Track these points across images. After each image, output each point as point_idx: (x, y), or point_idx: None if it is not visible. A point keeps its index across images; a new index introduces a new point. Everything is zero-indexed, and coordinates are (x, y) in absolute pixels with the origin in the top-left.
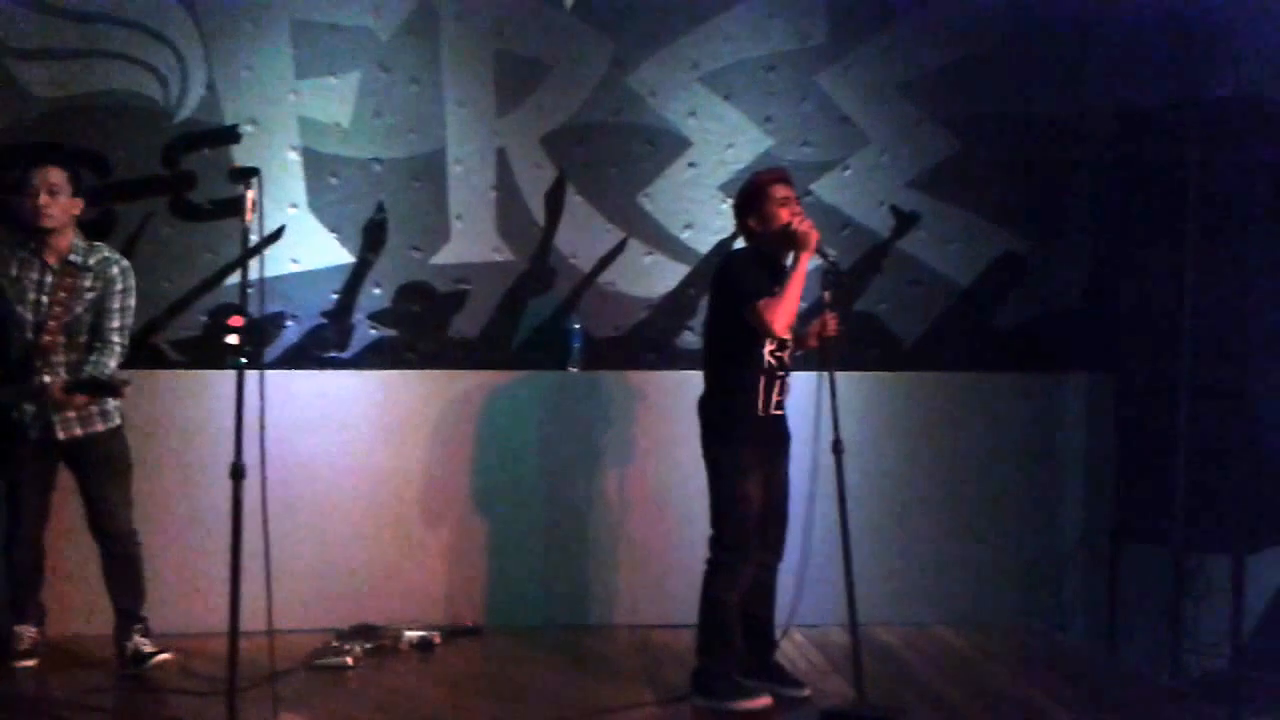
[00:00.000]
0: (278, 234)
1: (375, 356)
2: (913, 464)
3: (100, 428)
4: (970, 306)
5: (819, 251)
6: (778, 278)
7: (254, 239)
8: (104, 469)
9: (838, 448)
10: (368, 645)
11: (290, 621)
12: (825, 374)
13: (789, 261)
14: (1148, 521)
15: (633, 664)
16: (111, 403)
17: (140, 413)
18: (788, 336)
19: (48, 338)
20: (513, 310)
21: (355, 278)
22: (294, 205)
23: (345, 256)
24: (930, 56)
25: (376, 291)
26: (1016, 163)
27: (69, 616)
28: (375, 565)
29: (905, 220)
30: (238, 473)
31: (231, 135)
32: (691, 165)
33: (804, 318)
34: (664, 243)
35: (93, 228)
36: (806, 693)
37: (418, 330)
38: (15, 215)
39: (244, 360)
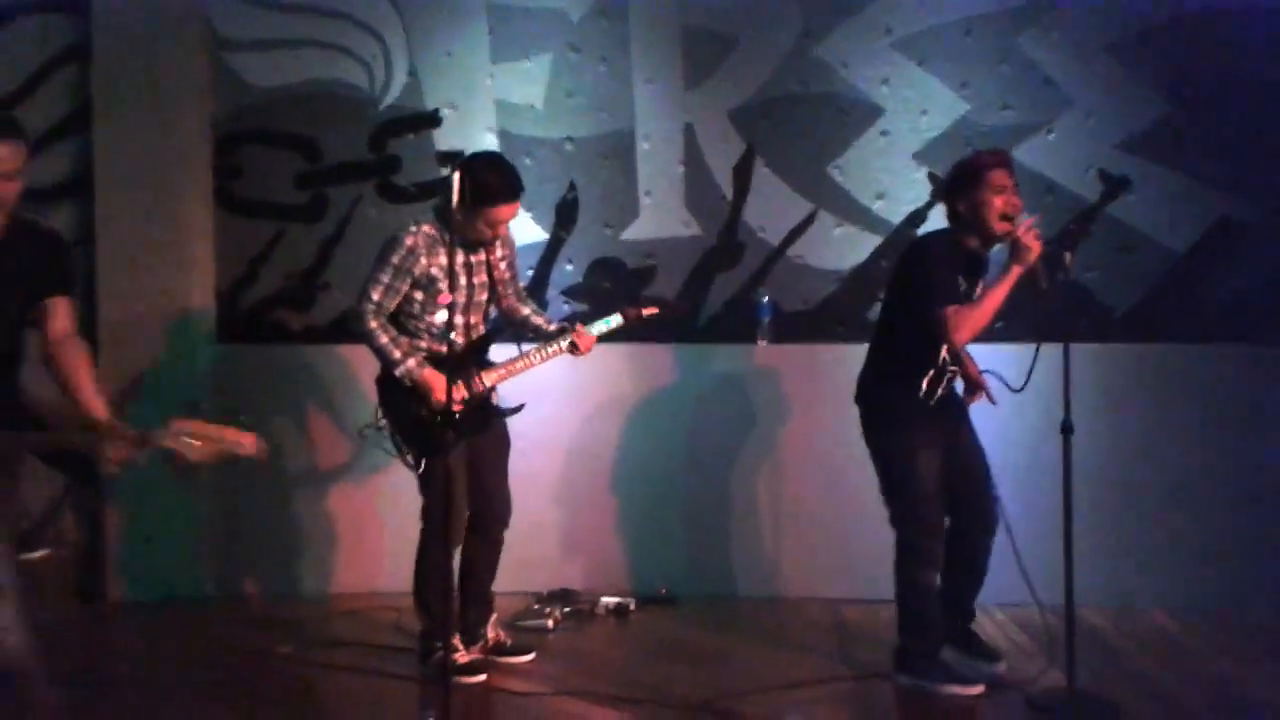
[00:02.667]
0: None
1: None
2: (1124, 439)
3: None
4: (1186, 274)
5: (1032, 269)
6: (972, 272)
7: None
8: (506, 445)
9: (1067, 428)
10: (566, 609)
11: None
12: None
13: (996, 256)
14: None
15: (826, 638)
16: None
17: (359, 384)
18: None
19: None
20: (701, 284)
21: (549, 254)
22: None
23: (539, 234)
24: (1138, 15)
25: (569, 267)
26: (1234, 123)
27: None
28: (571, 533)
29: (1115, 184)
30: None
31: (433, 119)
32: (884, 134)
33: None
34: (855, 214)
35: (306, 211)
36: (1002, 667)
37: (608, 305)
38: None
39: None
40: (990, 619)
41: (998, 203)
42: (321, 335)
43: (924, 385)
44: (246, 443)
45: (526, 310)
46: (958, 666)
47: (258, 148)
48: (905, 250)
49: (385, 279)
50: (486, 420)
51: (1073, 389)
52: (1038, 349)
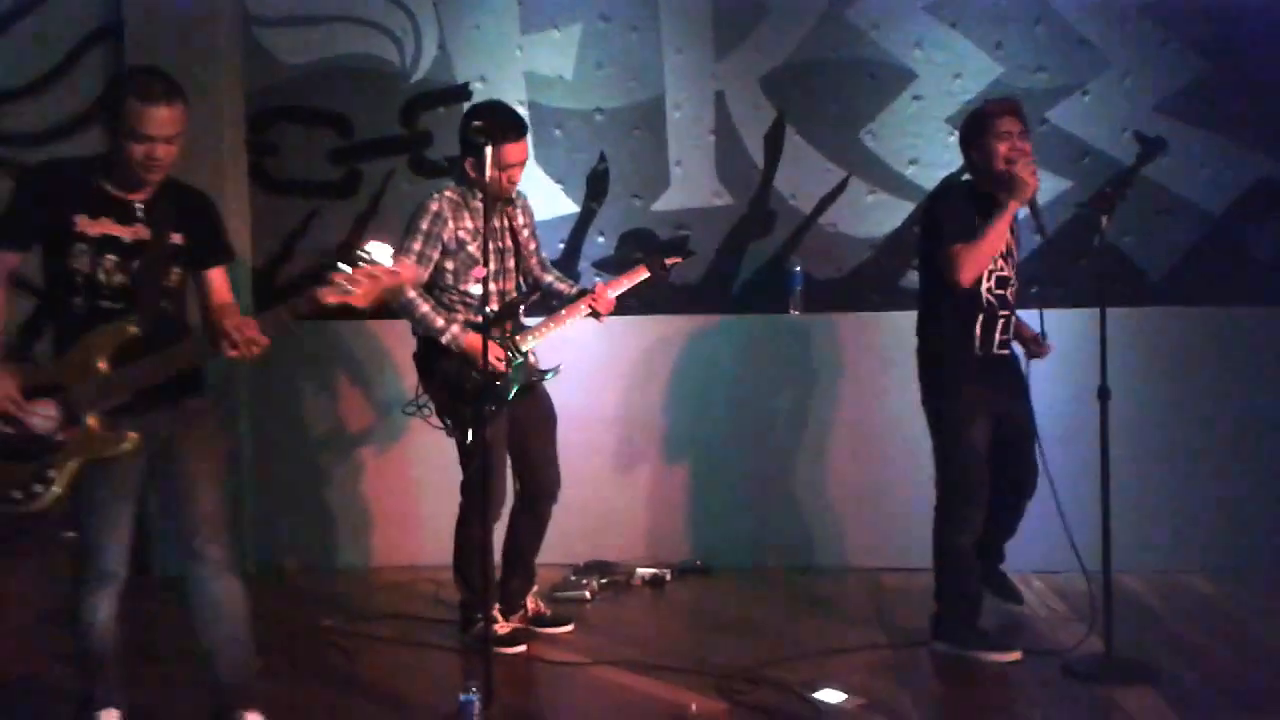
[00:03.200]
0: None
1: None
2: (1161, 403)
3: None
4: (1223, 236)
5: (1031, 205)
6: (990, 217)
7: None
8: (553, 420)
9: (1103, 394)
10: (603, 580)
11: None
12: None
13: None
14: None
15: (864, 606)
16: None
17: (394, 359)
18: (968, 287)
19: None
20: (733, 254)
21: (580, 226)
22: None
23: (570, 206)
24: None
25: (600, 239)
26: (1271, 83)
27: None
28: (605, 504)
29: (1151, 146)
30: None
31: (463, 93)
32: (916, 98)
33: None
34: (887, 180)
35: (339, 187)
36: (1022, 607)
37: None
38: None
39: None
40: (1028, 587)
41: (1002, 148)
42: (356, 312)
43: (978, 333)
44: (403, 270)
45: (549, 277)
46: (994, 634)
47: (291, 125)
48: (925, 200)
49: (417, 247)
50: (528, 384)
51: (1109, 353)
52: (1042, 314)
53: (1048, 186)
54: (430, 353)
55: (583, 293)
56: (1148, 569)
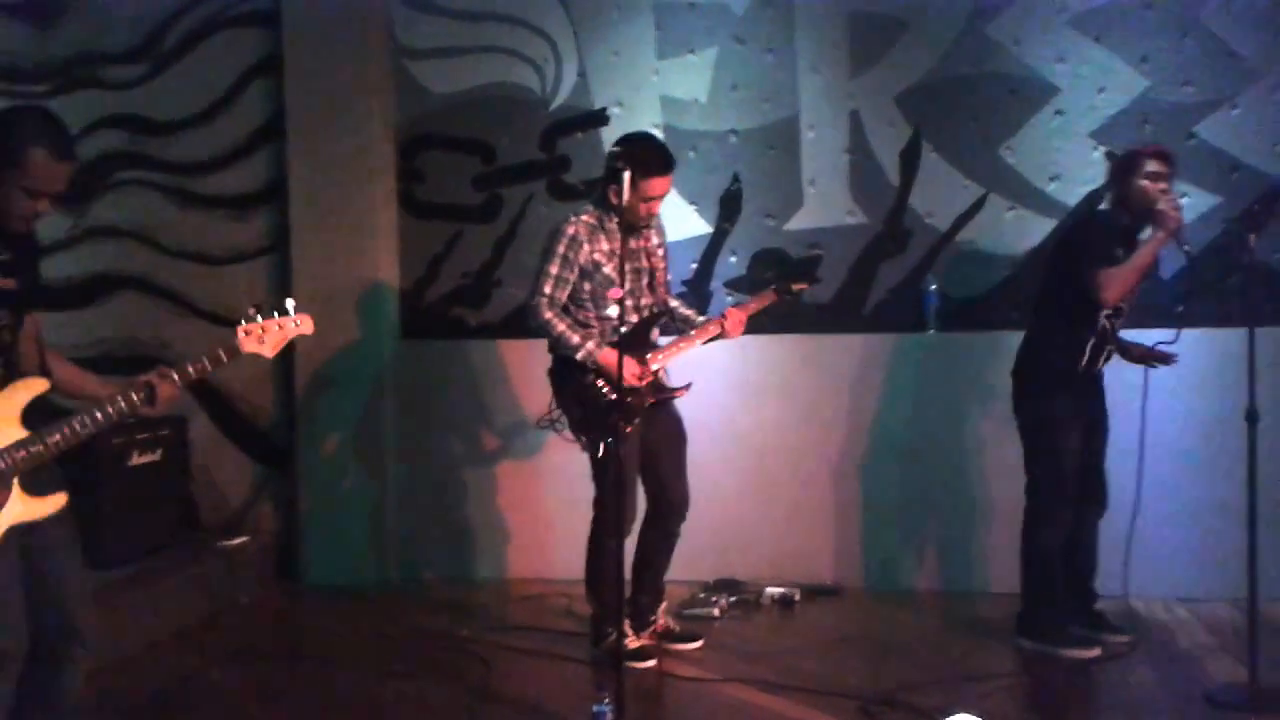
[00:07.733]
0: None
1: None
2: None
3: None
4: None
5: (1177, 239)
6: (1130, 248)
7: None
8: (682, 439)
9: (1252, 416)
10: (732, 599)
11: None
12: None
13: (1145, 235)
14: None
15: (998, 630)
16: None
17: (532, 376)
18: (1115, 306)
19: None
20: (867, 272)
21: (712, 247)
22: None
23: (703, 227)
24: None
25: (733, 259)
26: None
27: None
28: (735, 523)
29: None
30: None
31: (600, 118)
32: (1059, 113)
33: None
34: (1028, 196)
35: (481, 211)
36: (1128, 639)
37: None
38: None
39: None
40: (1171, 614)
41: (1147, 186)
42: (496, 330)
43: (1087, 352)
44: (304, 323)
45: (675, 302)
46: (1077, 632)
47: (437, 152)
48: (1070, 222)
49: (554, 270)
50: (660, 401)
51: (1259, 374)
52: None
53: (1196, 202)
54: (565, 369)
55: (711, 319)
56: None
